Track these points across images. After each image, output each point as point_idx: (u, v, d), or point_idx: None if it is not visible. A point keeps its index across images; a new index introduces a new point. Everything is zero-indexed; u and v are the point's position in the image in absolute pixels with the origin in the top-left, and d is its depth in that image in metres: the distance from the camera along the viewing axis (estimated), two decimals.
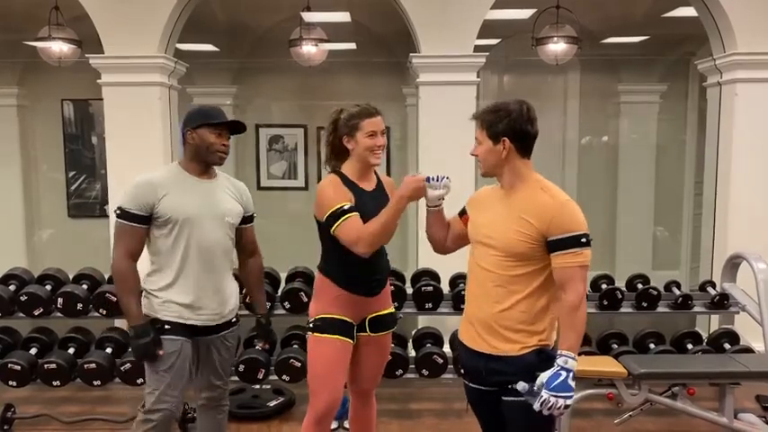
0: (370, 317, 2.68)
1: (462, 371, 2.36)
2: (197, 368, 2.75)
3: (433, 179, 2.33)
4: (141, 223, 2.55)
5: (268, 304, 3.91)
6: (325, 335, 2.60)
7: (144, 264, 2.65)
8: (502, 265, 2.13)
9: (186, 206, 2.57)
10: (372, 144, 2.54)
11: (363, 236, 2.41)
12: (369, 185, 2.63)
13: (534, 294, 2.13)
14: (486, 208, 2.25)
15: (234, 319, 2.79)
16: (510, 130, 2.13)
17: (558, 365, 2.05)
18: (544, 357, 2.14)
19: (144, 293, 2.64)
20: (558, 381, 2.04)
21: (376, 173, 2.72)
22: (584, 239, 2.08)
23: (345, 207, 2.45)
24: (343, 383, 2.68)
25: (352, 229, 2.43)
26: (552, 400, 2.02)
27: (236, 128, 2.70)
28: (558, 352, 2.07)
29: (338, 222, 2.44)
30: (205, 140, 2.60)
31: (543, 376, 2.06)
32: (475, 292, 2.24)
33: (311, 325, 2.63)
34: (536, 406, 2.05)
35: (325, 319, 2.61)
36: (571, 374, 2.05)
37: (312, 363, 2.65)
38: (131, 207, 2.55)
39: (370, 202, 2.55)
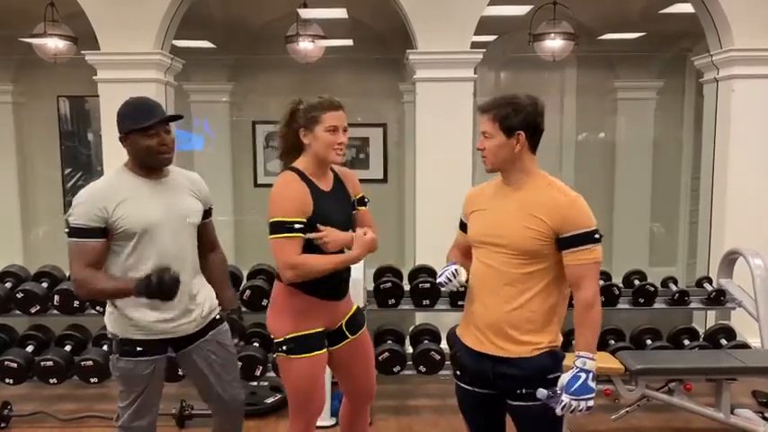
0: (345, 321, 2.51)
1: (459, 373, 2.26)
2: (178, 379, 2.58)
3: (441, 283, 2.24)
4: (96, 237, 2.26)
5: (265, 301, 3.93)
6: (300, 356, 2.38)
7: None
8: (511, 263, 2.07)
9: (144, 214, 2.30)
10: (333, 140, 2.32)
11: (300, 266, 2.27)
12: (326, 185, 2.40)
13: (543, 292, 2.08)
14: (491, 207, 2.17)
15: (217, 317, 2.56)
16: (525, 124, 2.07)
17: (577, 367, 2.02)
18: (556, 360, 2.11)
19: (110, 312, 2.39)
20: (579, 383, 2.00)
21: (332, 167, 2.47)
22: (596, 235, 2.04)
23: (296, 225, 2.26)
24: (324, 391, 2.53)
25: (291, 252, 2.25)
26: (574, 404, 1.99)
27: (172, 116, 2.41)
28: (576, 353, 2.04)
29: (282, 235, 2.26)
30: (140, 146, 2.30)
31: (563, 379, 2.03)
32: (480, 292, 2.16)
33: (283, 348, 2.38)
34: (558, 411, 2.02)
35: (297, 338, 2.37)
36: (591, 375, 2.02)
37: (291, 385, 2.45)
38: (82, 222, 2.25)
39: (330, 206, 2.36)
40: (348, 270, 2.50)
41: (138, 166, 2.37)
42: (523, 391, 2.07)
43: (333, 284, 2.42)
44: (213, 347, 2.54)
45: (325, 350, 2.46)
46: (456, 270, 2.19)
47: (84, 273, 2.26)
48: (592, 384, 2.02)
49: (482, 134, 2.12)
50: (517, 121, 2.06)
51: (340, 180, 2.48)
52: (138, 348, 2.37)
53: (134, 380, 2.39)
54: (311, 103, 2.38)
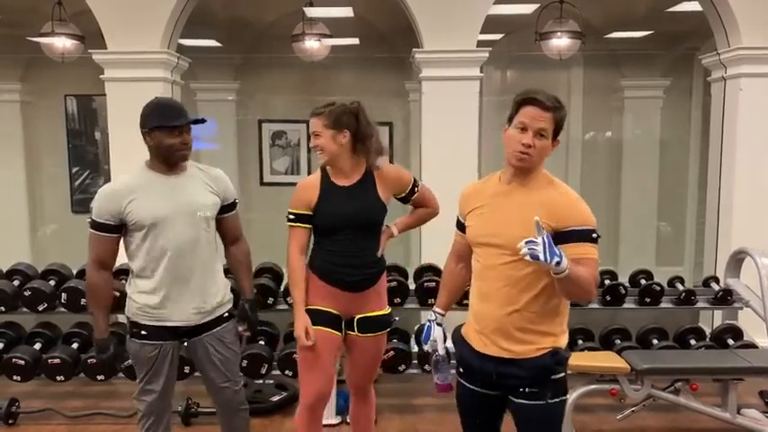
0: (358, 317, 2.66)
1: (462, 371, 2.24)
2: (192, 369, 2.76)
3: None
4: (109, 232, 2.49)
5: (270, 299, 3.95)
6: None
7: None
8: (512, 264, 2.01)
9: (154, 209, 2.48)
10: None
11: (289, 259, 2.66)
12: (348, 181, 2.64)
13: (545, 293, 2.03)
14: (490, 206, 2.12)
15: (225, 314, 2.68)
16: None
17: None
18: (559, 359, 2.07)
19: (128, 296, 2.61)
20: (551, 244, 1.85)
21: (376, 166, 2.68)
22: (594, 235, 2.01)
23: (291, 216, 2.65)
24: (333, 374, 2.71)
25: (291, 239, 2.67)
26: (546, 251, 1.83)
27: (197, 120, 2.59)
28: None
29: (288, 223, 2.67)
30: (163, 143, 2.47)
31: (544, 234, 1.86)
32: (483, 294, 2.13)
33: None
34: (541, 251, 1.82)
35: (309, 311, 2.63)
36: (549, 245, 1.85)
37: (299, 354, 2.69)
38: (98, 217, 2.48)
39: (334, 198, 2.61)
40: (367, 267, 2.66)
41: (158, 162, 2.54)
42: (526, 390, 2.05)
43: (343, 273, 2.62)
44: (215, 343, 2.65)
45: (336, 333, 2.64)
46: (435, 340, 2.41)
47: (92, 274, 2.55)
48: (556, 250, 1.85)
49: (536, 131, 1.99)
50: (563, 122, 2.02)
51: (371, 179, 2.66)
52: (143, 332, 2.57)
53: (140, 360, 2.60)
54: None
